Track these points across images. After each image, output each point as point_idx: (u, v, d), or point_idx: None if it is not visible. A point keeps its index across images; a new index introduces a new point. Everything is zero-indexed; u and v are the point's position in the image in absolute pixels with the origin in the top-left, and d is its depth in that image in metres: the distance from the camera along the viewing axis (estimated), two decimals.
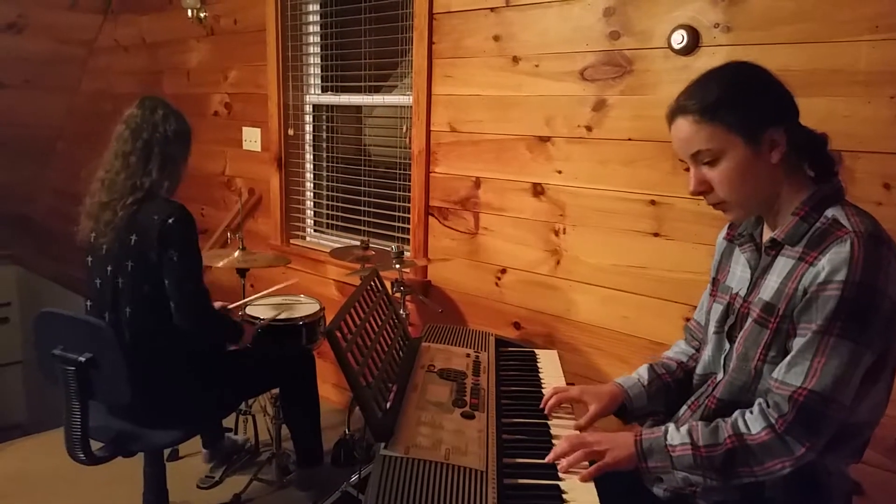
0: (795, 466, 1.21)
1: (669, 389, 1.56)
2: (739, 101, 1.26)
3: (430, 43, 2.82)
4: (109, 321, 2.13)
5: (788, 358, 1.22)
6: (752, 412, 1.25)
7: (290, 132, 3.63)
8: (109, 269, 2.14)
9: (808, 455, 1.20)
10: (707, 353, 1.46)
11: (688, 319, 1.66)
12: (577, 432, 1.45)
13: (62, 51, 4.92)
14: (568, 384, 1.72)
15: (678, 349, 1.65)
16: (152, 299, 2.12)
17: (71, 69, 5.05)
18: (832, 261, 1.17)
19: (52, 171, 5.55)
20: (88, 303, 2.23)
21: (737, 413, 1.28)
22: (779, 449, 1.20)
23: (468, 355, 1.77)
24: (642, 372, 1.58)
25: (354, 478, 2.60)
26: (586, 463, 1.31)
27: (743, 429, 1.24)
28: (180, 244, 2.09)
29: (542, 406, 1.55)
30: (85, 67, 5.03)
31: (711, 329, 1.45)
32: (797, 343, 1.22)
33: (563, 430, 1.47)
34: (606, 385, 1.58)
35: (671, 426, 1.32)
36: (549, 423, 1.50)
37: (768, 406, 1.23)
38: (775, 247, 1.31)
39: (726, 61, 1.36)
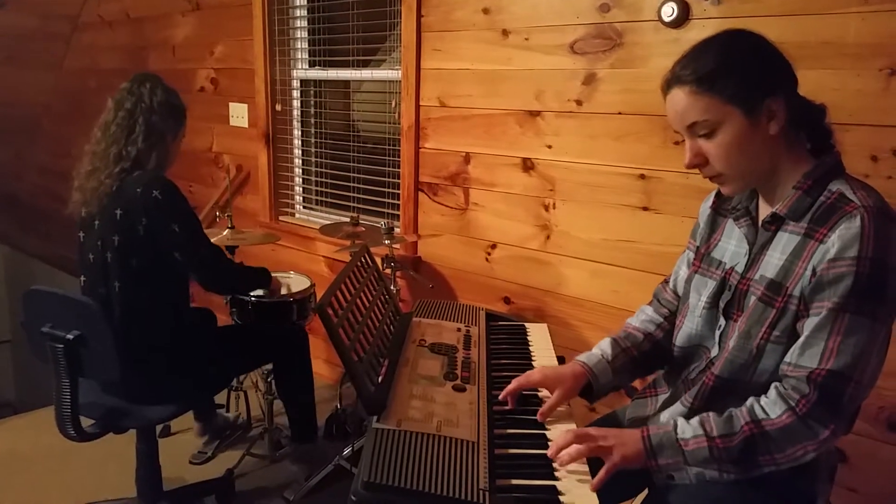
0: (818, 451, 1.18)
1: (636, 362, 1.52)
2: (737, 71, 1.21)
3: (419, 16, 2.79)
4: (102, 296, 2.13)
5: (801, 340, 1.18)
6: (767, 397, 1.20)
7: (278, 108, 3.61)
8: (99, 243, 2.14)
9: (832, 438, 1.16)
10: (692, 325, 1.42)
11: (665, 282, 1.61)
12: (579, 427, 1.36)
13: (45, 26, 4.84)
14: (557, 357, 1.73)
15: (644, 317, 1.59)
16: (140, 273, 2.12)
17: (55, 45, 4.98)
18: (843, 237, 1.14)
19: (38, 148, 5.49)
20: (83, 278, 2.22)
21: (751, 399, 1.22)
22: (802, 432, 1.16)
23: (459, 329, 1.78)
24: (605, 347, 1.53)
25: (347, 451, 2.62)
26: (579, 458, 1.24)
27: (761, 414, 1.19)
28: (178, 214, 2.11)
29: (501, 398, 1.46)
30: (69, 44, 4.96)
31: (701, 303, 1.40)
32: (810, 324, 1.17)
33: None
34: (568, 366, 1.51)
35: (680, 420, 1.26)
36: (538, 393, 1.51)
37: (786, 388, 1.18)
38: (776, 222, 1.27)
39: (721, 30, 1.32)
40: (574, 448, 1.23)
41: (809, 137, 1.29)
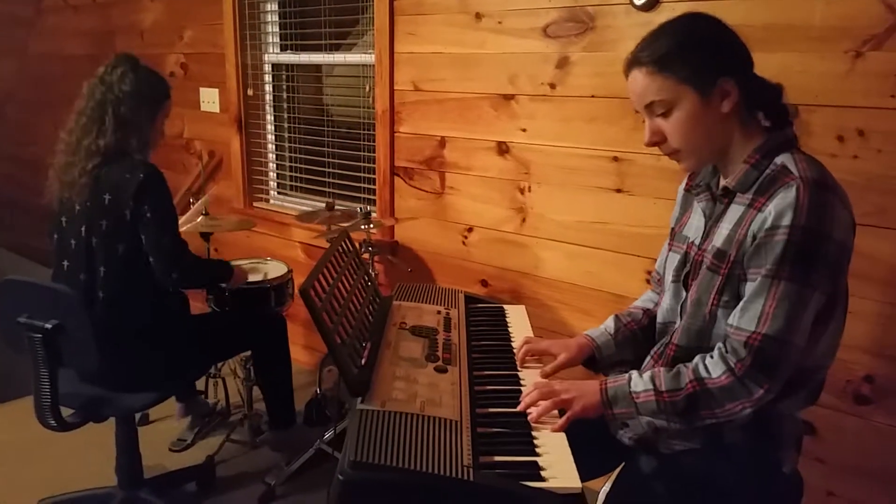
0: (756, 407, 1.26)
1: (636, 337, 1.61)
2: (691, 52, 1.29)
3: None
4: (85, 282, 2.11)
5: (741, 304, 1.26)
6: (711, 357, 1.29)
7: (250, 92, 3.57)
8: (83, 228, 2.12)
9: (767, 396, 1.25)
10: (666, 302, 1.49)
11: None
12: (546, 380, 1.50)
13: (7, 10, 4.72)
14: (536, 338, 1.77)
15: (645, 297, 1.70)
16: (126, 259, 2.12)
17: (17, 30, 4.87)
18: (778, 206, 1.21)
19: (3, 136, 5.38)
20: (66, 263, 2.19)
21: (697, 358, 1.32)
22: (738, 391, 1.25)
23: (439, 312, 1.80)
24: (609, 322, 1.64)
25: (328, 435, 2.64)
26: (556, 412, 1.35)
27: (703, 373, 1.28)
28: (154, 199, 2.12)
29: (519, 358, 1.61)
30: (32, 29, 4.85)
31: (669, 278, 1.49)
32: (748, 288, 1.26)
33: (532, 380, 1.51)
34: (574, 337, 1.63)
35: (634, 373, 1.36)
36: (518, 373, 1.54)
37: (727, 351, 1.27)
38: (728, 195, 1.35)
39: (680, 14, 1.38)
40: (542, 406, 1.34)
41: (767, 116, 1.35)
